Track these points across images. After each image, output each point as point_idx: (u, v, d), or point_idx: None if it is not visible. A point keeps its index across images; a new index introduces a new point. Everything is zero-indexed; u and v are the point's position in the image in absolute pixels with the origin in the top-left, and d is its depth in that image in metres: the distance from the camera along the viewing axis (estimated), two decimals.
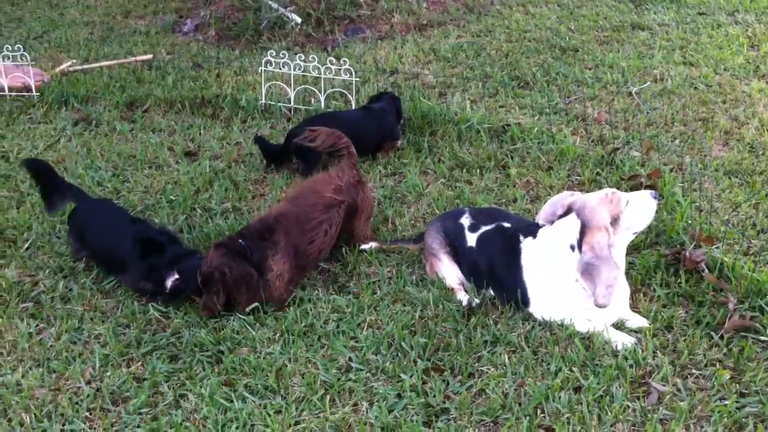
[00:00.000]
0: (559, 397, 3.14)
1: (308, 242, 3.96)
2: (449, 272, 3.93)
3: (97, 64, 7.22)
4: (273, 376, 3.34)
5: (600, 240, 3.43)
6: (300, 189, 4.23)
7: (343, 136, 4.29)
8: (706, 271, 3.82)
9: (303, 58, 5.97)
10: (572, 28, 7.93)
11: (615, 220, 3.52)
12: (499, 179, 4.99)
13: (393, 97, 5.60)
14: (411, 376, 3.28)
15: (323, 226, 4.02)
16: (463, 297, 3.80)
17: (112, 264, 4.04)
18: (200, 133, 5.81)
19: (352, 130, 5.23)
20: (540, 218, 3.80)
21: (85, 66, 7.21)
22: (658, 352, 3.40)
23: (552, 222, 3.71)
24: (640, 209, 3.62)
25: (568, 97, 6.21)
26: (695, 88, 6.37)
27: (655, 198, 3.67)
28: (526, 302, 3.67)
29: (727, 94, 6.23)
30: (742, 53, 7.12)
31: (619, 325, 3.60)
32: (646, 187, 4.60)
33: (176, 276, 3.81)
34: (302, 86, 6.06)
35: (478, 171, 5.06)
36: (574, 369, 3.30)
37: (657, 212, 4.25)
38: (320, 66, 5.88)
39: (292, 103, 6.02)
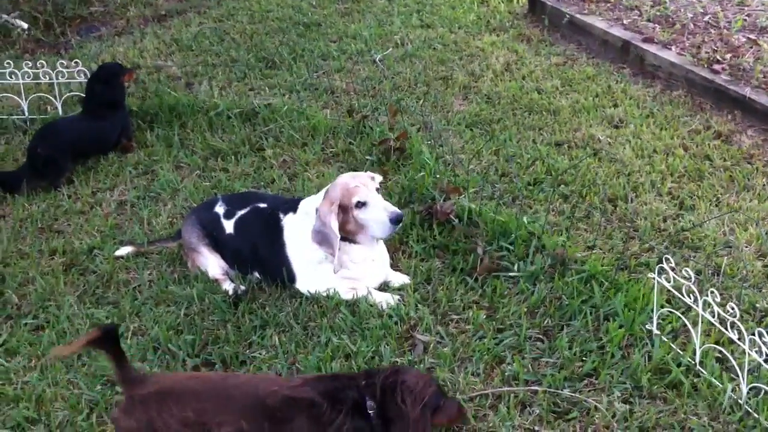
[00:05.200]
0: (331, 367, 3.18)
1: None
2: (211, 264, 3.84)
3: None
4: (33, 406, 3.11)
5: (323, 209, 3.51)
6: None
7: None
8: (457, 221, 4.02)
9: (30, 65, 5.56)
10: (313, 3, 7.99)
11: (345, 209, 3.54)
12: (255, 162, 4.94)
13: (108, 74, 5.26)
14: None
15: None
16: (228, 286, 3.74)
17: None
18: None
19: (88, 135, 5.04)
20: None
21: None
22: (419, 305, 3.53)
23: None
24: (371, 217, 3.55)
25: (315, 72, 6.27)
26: (434, 48, 6.65)
27: (393, 220, 3.51)
28: (292, 279, 3.68)
29: (463, 51, 6.56)
30: (473, 10, 7.52)
31: (384, 287, 3.70)
32: (395, 150, 4.75)
33: None
34: (35, 95, 5.65)
35: (233, 157, 4.99)
36: (344, 336, 3.35)
37: (405, 174, 4.44)
38: (51, 71, 5.50)
39: (26, 114, 5.60)
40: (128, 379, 2.58)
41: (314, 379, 2.71)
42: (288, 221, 3.72)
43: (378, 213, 3.54)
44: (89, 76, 5.31)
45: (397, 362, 3.20)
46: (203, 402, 2.54)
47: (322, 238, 3.50)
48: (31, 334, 3.56)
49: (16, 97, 5.65)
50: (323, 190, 3.66)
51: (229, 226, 3.84)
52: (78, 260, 4.05)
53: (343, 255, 3.58)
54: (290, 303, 3.62)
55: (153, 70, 6.38)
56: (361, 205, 3.54)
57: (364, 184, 3.58)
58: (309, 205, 3.67)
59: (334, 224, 3.48)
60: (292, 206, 3.76)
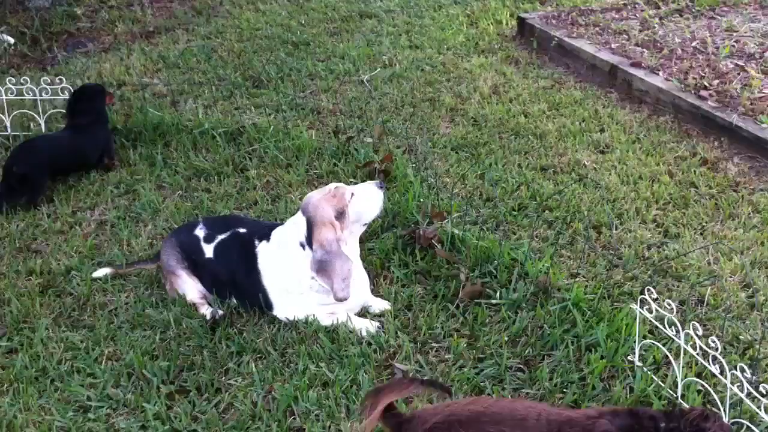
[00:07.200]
0: (308, 396, 3.12)
1: None
2: (190, 287, 3.78)
3: None
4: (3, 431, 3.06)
5: (327, 236, 3.44)
6: None
7: None
8: (439, 246, 3.98)
9: (14, 81, 5.51)
10: (303, 22, 7.99)
11: (341, 214, 3.54)
12: (238, 183, 4.90)
13: (93, 93, 5.27)
14: (155, 404, 3.12)
15: None
16: (206, 311, 3.67)
17: None
18: None
19: (68, 151, 4.99)
20: None
21: None
22: (399, 332, 3.48)
23: None
24: (365, 200, 3.68)
25: (302, 92, 6.24)
26: (422, 69, 6.63)
27: (380, 187, 3.75)
28: (269, 306, 3.62)
29: (451, 73, 6.55)
30: (462, 32, 7.53)
31: (364, 313, 3.65)
32: (380, 173, 4.72)
33: None
34: (19, 111, 5.59)
35: (216, 177, 4.94)
36: (322, 364, 3.30)
37: (389, 197, 4.39)
38: (35, 87, 5.45)
39: (9, 130, 5.55)
40: (398, 422, 2.48)
41: (610, 412, 2.49)
42: (262, 249, 3.67)
43: (366, 189, 3.69)
44: (72, 91, 5.27)
45: None
46: (495, 425, 2.41)
47: (324, 266, 3.42)
48: (4, 357, 3.49)
49: None
50: (292, 221, 3.62)
51: (208, 250, 3.78)
52: (55, 281, 3.99)
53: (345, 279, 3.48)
54: (268, 329, 3.56)
55: (138, 88, 6.34)
56: (352, 196, 3.60)
57: (331, 188, 3.63)
58: (281, 234, 3.63)
59: (344, 247, 3.49)
60: (266, 233, 3.71)
